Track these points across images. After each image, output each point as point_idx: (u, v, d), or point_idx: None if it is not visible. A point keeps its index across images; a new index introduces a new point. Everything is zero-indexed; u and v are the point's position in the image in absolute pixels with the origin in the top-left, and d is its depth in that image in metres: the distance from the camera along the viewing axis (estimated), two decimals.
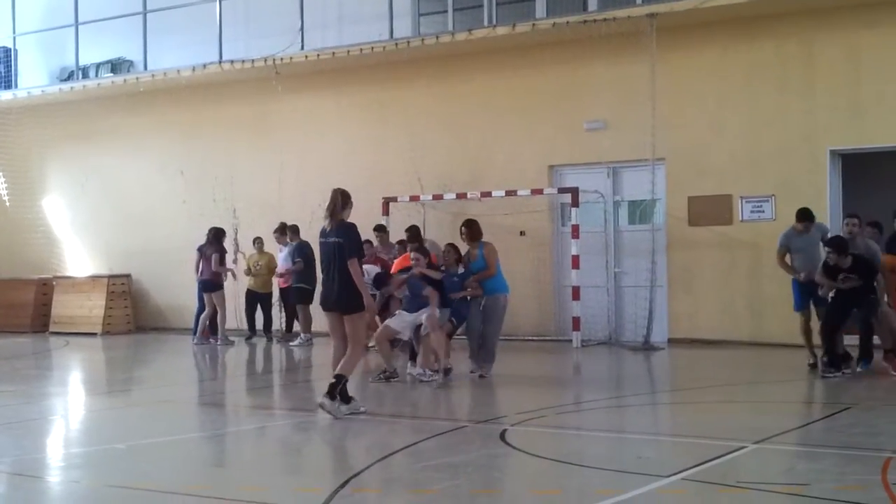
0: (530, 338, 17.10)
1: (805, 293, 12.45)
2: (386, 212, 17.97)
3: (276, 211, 18.73)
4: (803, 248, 12.57)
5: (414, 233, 14.62)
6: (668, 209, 16.42)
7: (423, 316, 11.84)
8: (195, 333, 17.81)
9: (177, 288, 20.25)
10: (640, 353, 15.34)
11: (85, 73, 22.16)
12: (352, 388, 9.82)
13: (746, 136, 15.98)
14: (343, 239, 9.54)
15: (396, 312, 12.51)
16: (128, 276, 21.40)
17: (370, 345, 13.15)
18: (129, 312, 21.12)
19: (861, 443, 8.08)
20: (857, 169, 16.18)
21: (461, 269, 12.39)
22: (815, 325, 12.44)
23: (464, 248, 12.84)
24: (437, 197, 17.82)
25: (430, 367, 11.89)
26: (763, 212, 15.68)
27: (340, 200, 9.74)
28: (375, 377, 11.94)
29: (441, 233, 18.30)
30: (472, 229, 12.54)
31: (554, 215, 17.61)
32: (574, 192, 16.47)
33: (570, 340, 16.29)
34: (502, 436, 8.30)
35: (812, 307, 12.51)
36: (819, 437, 8.54)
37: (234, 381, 14.06)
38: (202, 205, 19.80)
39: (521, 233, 17.63)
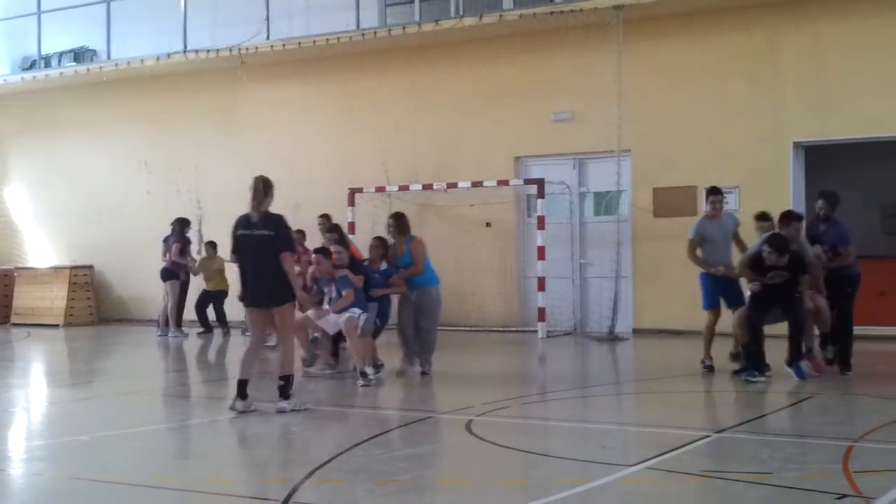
0: (496, 329, 17.14)
1: (716, 290, 11.56)
2: (352, 202, 17.93)
3: (242, 202, 18.56)
4: (716, 239, 11.59)
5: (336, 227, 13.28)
6: (634, 200, 16.50)
7: (341, 319, 11.19)
8: (159, 325, 17.66)
9: (140, 279, 20.09)
10: (606, 343, 15.41)
11: (47, 62, 21.91)
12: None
13: (711, 127, 16.07)
14: (273, 231, 9.10)
15: (324, 307, 11.64)
16: (90, 267, 21.19)
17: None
18: (92, 304, 20.93)
19: (823, 431, 8.17)
20: (821, 161, 16.32)
21: (384, 265, 11.75)
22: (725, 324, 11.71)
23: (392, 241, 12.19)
24: (404, 188, 17.80)
25: (373, 364, 11.37)
26: (728, 203, 15.72)
27: (262, 189, 9.16)
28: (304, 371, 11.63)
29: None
30: (400, 222, 11.94)
31: (520, 206, 17.64)
32: (540, 183, 16.50)
33: (536, 331, 16.33)
34: (468, 426, 8.31)
35: (723, 305, 11.64)
36: (782, 425, 8.62)
37: (197, 373, 13.98)
38: (166, 196, 19.66)
39: (487, 224, 17.67)
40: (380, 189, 17.99)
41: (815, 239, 11.55)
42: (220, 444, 8.26)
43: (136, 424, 9.05)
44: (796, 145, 15.69)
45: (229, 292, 17.36)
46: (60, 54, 21.97)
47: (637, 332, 16.24)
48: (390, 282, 11.68)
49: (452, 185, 17.29)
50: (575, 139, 16.89)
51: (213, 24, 20.03)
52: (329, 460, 7.19)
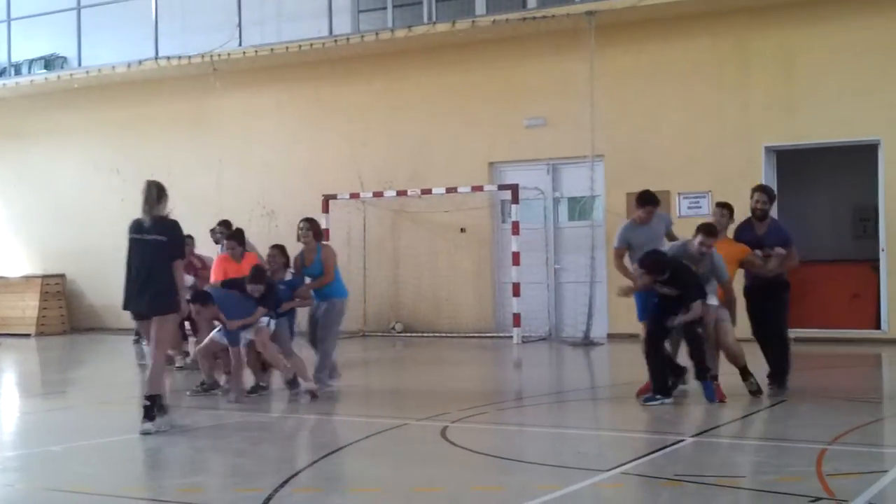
0: (470, 334, 17.16)
1: (649, 298, 10.04)
2: (326, 209, 17.88)
3: (215, 208, 18.53)
4: (644, 245, 10.06)
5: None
6: (608, 205, 16.55)
7: (250, 334, 10.42)
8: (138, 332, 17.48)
9: (113, 288, 19.66)
10: (580, 348, 15.44)
11: (17, 69, 21.72)
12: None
13: (683, 132, 16.16)
14: (167, 237, 8.75)
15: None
16: (62, 276, 21.04)
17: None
18: (64, 313, 20.78)
19: (796, 435, 8.22)
20: (793, 165, 16.44)
21: (289, 275, 10.97)
22: None
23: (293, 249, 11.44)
24: (378, 194, 17.79)
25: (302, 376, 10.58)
26: (700, 207, 15.85)
27: (156, 193, 8.83)
28: (193, 390, 10.95)
29: (381, 231, 18.32)
30: (315, 227, 11.03)
31: (494, 212, 17.67)
32: (514, 188, 16.53)
33: (511, 337, 16.34)
34: (443, 433, 8.30)
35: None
36: (755, 430, 8.66)
37: (171, 381, 13.87)
38: (139, 203, 19.51)
39: (462, 230, 17.69)
40: (354, 196, 17.97)
41: (754, 242, 10.15)
42: (193, 454, 8.20)
43: (109, 434, 8.98)
44: (767, 149, 15.79)
45: None
46: (31, 61, 21.80)
47: (612, 336, 16.28)
48: (297, 293, 10.84)
49: (427, 192, 17.30)
50: (548, 144, 16.94)
51: (185, 31, 19.96)
52: (304, 468, 7.17)
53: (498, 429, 8.98)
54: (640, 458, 7.15)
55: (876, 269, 15.45)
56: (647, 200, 10.39)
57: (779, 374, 10.16)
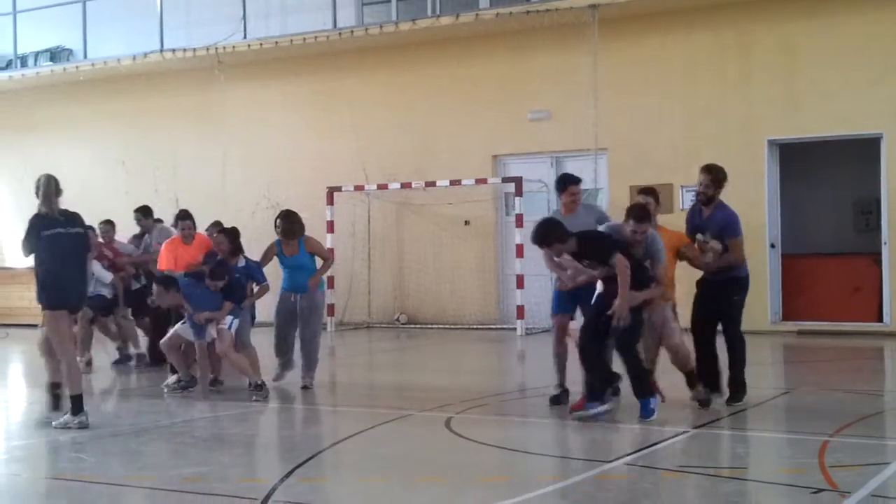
0: (474, 326, 17.20)
1: (567, 292, 9.00)
2: (331, 202, 17.92)
3: (220, 201, 18.58)
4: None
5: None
6: (611, 198, 16.57)
7: (213, 330, 10.18)
8: None
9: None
10: None
11: (23, 61, 21.77)
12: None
13: (686, 125, 16.18)
14: (83, 229, 8.83)
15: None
16: None
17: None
18: None
19: (799, 427, 8.26)
20: (795, 159, 16.45)
21: (242, 262, 10.71)
22: None
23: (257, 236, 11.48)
24: (382, 187, 17.82)
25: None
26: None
27: (55, 187, 8.78)
28: (171, 388, 10.51)
29: (386, 223, 18.36)
30: (288, 223, 10.43)
31: (498, 205, 17.70)
32: (518, 181, 16.55)
33: (515, 329, 16.38)
34: (448, 424, 8.34)
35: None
36: (758, 421, 8.68)
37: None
38: (144, 196, 19.54)
39: (466, 222, 17.72)
40: (358, 188, 18.01)
41: (697, 230, 8.99)
42: (196, 444, 8.24)
43: (113, 424, 9.03)
44: (770, 143, 15.81)
45: None
46: (36, 54, 21.86)
47: None
48: (254, 287, 10.59)
49: (431, 184, 17.32)
50: (552, 137, 16.96)
51: (190, 24, 19.98)
52: (309, 458, 7.21)
53: (502, 420, 9.01)
54: (643, 448, 7.18)
55: (878, 262, 15.48)
56: (566, 181, 9.27)
57: (734, 386, 8.92)
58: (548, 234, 8.22)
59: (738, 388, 8.86)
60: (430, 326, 17.65)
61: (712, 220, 8.85)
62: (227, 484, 6.62)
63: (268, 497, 6.00)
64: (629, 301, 8.05)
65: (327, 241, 17.67)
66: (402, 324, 18.09)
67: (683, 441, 7.52)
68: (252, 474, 7.00)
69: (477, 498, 6.19)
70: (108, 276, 12.28)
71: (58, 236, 8.58)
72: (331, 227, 17.79)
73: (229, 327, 10.13)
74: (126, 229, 18.91)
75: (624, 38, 16.42)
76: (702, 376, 8.81)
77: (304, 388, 10.39)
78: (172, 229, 12.45)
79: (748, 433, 7.97)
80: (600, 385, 8.34)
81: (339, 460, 7.38)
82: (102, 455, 7.72)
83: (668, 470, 6.73)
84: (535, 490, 6.15)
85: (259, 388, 9.92)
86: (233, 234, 10.74)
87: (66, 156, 21.47)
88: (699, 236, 8.79)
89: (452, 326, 17.40)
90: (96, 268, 12.05)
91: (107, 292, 12.48)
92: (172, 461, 7.55)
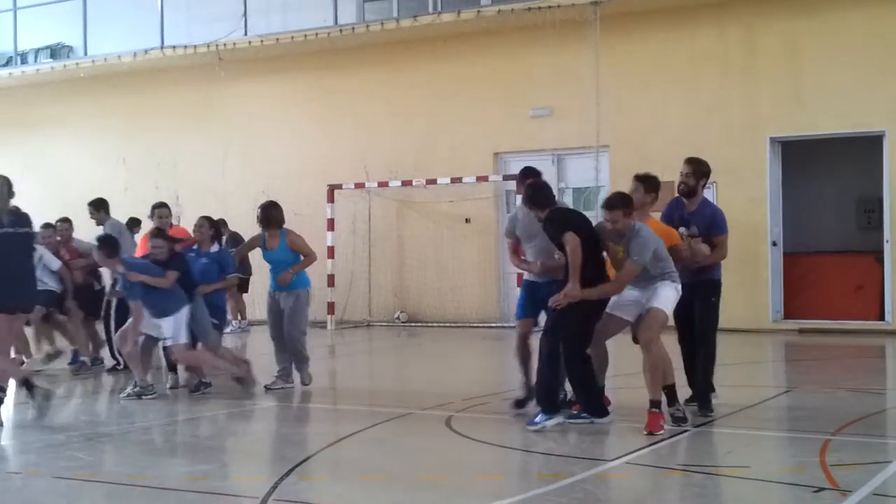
0: (475, 324, 17.17)
1: (534, 294, 8.62)
2: (331, 199, 17.91)
3: (221, 198, 18.57)
4: (536, 233, 8.30)
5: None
6: None
7: (168, 332, 9.85)
8: None
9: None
10: None
11: (24, 58, 21.75)
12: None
13: (688, 123, 16.15)
14: (30, 229, 8.72)
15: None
16: None
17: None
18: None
19: (800, 425, 8.24)
20: (798, 156, 16.42)
21: (216, 248, 10.55)
22: None
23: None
24: (383, 184, 17.80)
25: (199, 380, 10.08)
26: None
27: (8, 187, 8.57)
28: (126, 394, 10.00)
29: (386, 221, 18.34)
30: (267, 214, 10.34)
31: (499, 202, 17.68)
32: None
33: (515, 327, 16.30)
34: (448, 422, 8.32)
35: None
36: (759, 420, 8.66)
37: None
38: (145, 192, 19.55)
39: (467, 220, 17.71)
40: (359, 185, 18.00)
41: (678, 223, 8.46)
42: (197, 442, 8.23)
43: (113, 423, 9.01)
44: (772, 140, 15.78)
45: None
46: (37, 51, 21.83)
47: None
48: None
49: (431, 182, 17.30)
50: (553, 135, 16.94)
51: (190, 21, 19.96)
52: (309, 457, 7.19)
53: (502, 418, 8.98)
54: (644, 447, 7.16)
55: (880, 260, 15.46)
56: (526, 174, 8.56)
57: (701, 395, 8.40)
58: (536, 194, 8.03)
59: (708, 396, 8.37)
60: (430, 324, 17.64)
61: (699, 215, 8.42)
62: (227, 482, 6.61)
63: (268, 495, 5.98)
64: (574, 293, 7.58)
65: (328, 239, 17.70)
66: (403, 322, 18.08)
67: (684, 440, 7.50)
68: (253, 472, 6.98)
69: (477, 497, 6.17)
70: (55, 263, 11.58)
71: (4, 237, 8.49)
72: (331, 224, 17.78)
73: (170, 337, 9.81)
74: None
75: (626, 34, 16.39)
76: (692, 384, 8.47)
77: (304, 384, 10.27)
78: (121, 222, 12.46)
79: (749, 432, 7.94)
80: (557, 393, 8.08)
81: (339, 459, 7.36)
82: (103, 452, 7.71)
83: (670, 469, 6.71)
84: (536, 489, 6.13)
85: (240, 380, 9.89)
86: (214, 222, 10.67)
87: (67, 153, 21.50)
88: (682, 230, 8.34)
89: (453, 324, 17.38)
90: (44, 252, 11.37)
91: (54, 285, 11.65)
92: (174, 459, 7.54)
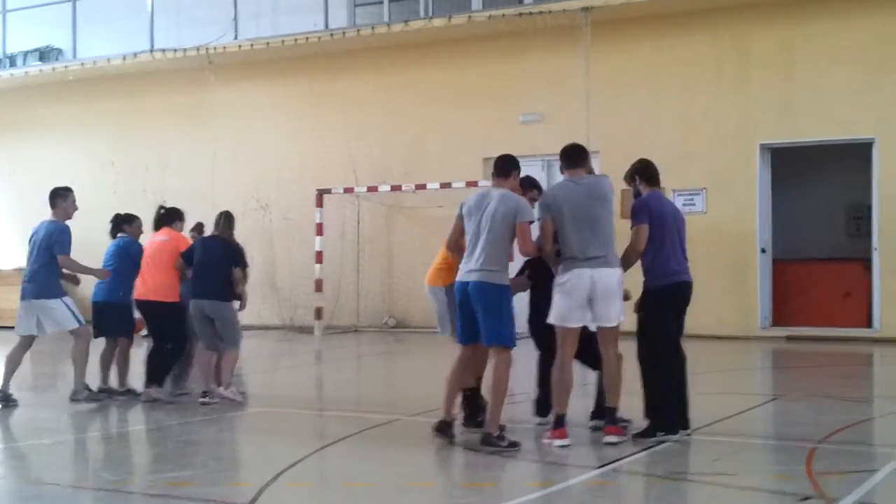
0: None
1: (473, 320, 7.84)
2: (320, 203, 17.87)
3: (209, 202, 18.49)
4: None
5: None
6: None
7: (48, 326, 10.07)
8: None
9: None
10: None
11: (12, 61, 21.68)
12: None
13: (679, 129, 16.17)
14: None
15: None
16: None
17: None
18: None
19: (788, 433, 8.24)
20: (789, 163, 16.46)
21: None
22: None
23: None
24: (372, 189, 17.78)
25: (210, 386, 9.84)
26: (694, 205, 15.88)
27: None
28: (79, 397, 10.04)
29: (375, 226, 18.31)
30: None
31: None
32: None
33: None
34: (436, 428, 8.26)
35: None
36: (746, 428, 8.66)
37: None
38: (133, 196, 19.50)
39: None
40: (348, 190, 17.97)
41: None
42: (182, 448, 8.19)
43: (99, 429, 8.97)
44: (763, 147, 15.81)
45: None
46: (25, 53, 21.76)
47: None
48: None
49: (421, 187, 17.28)
50: (544, 140, 16.89)
51: (180, 24, 19.93)
52: (295, 463, 7.16)
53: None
54: (631, 455, 7.14)
55: (868, 267, 15.48)
56: (503, 166, 8.13)
57: (653, 410, 7.72)
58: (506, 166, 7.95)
59: (653, 418, 7.61)
60: (419, 330, 17.60)
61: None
62: (213, 488, 6.57)
63: (253, 501, 5.96)
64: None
65: (316, 244, 17.68)
66: (391, 327, 18.04)
67: (672, 448, 7.48)
68: (239, 478, 6.95)
69: (465, 503, 6.15)
70: None
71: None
72: (320, 229, 17.75)
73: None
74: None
75: (617, 40, 16.41)
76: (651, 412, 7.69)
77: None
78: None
79: (736, 440, 7.93)
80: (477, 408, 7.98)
81: (326, 465, 7.33)
82: (88, 458, 7.67)
83: (656, 476, 6.70)
84: (523, 496, 6.12)
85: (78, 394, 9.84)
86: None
87: (55, 156, 21.41)
88: None
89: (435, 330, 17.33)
90: None
91: None
92: (158, 464, 7.50)
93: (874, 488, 6.19)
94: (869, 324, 15.37)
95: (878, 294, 15.22)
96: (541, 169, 17.21)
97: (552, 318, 7.51)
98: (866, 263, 15.57)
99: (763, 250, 15.90)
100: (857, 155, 15.79)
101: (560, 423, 7.45)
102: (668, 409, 7.62)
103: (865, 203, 15.84)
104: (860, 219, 16.70)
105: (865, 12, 15.23)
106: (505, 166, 7.96)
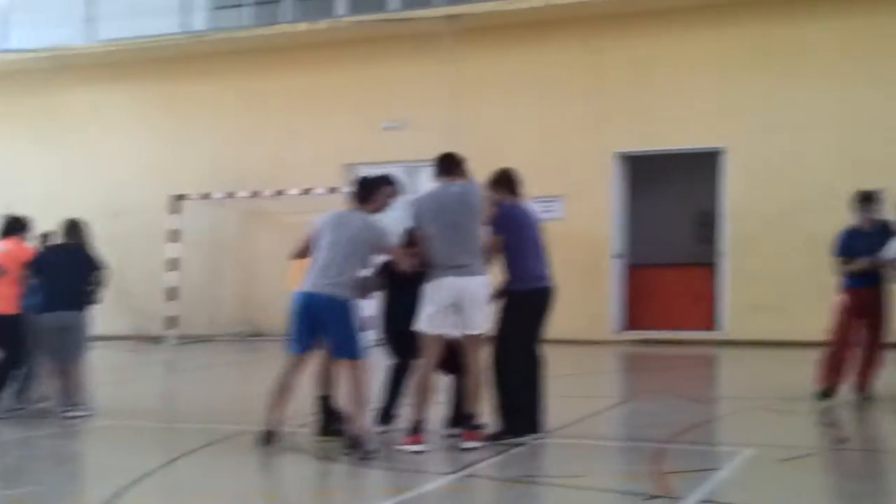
0: None
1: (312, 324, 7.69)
2: (175, 210, 17.50)
3: (60, 207, 17.87)
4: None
5: None
6: None
7: None
8: None
9: None
10: None
11: None
12: None
13: (538, 137, 16.43)
14: None
15: None
16: None
17: None
18: None
19: (636, 434, 8.43)
20: (646, 171, 16.87)
21: None
22: None
23: None
24: (231, 195, 17.52)
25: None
26: (553, 211, 16.13)
27: None
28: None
29: (234, 232, 18.03)
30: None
31: None
32: None
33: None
34: (285, 439, 8.05)
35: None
36: (598, 429, 8.81)
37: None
38: None
39: None
40: (205, 196, 17.63)
41: None
42: (21, 463, 7.86)
43: None
44: (617, 155, 16.20)
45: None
46: None
47: None
48: None
49: (281, 193, 17.10)
50: (407, 146, 16.98)
51: (32, 24, 19.27)
52: (141, 477, 6.93)
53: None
54: (484, 460, 7.17)
55: (714, 272, 15.99)
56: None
57: (506, 413, 7.76)
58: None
59: (505, 421, 7.71)
60: (276, 338, 17.32)
61: None
62: (61, 500, 6.34)
63: None
64: None
65: (169, 251, 17.31)
66: (246, 336, 17.76)
67: (524, 451, 7.54)
68: (83, 493, 6.72)
69: None
70: None
71: None
72: (174, 235, 17.38)
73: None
74: None
75: (479, 48, 16.58)
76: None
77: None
78: None
79: (586, 441, 8.06)
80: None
81: (173, 478, 7.13)
82: None
83: (510, 480, 6.75)
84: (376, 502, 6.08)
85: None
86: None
87: None
88: None
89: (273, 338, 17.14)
90: None
91: None
92: (9, 479, 7.18)
93: (716, 486, 6.37)
94: (715, 326, 15.89)
95: (724, 298, 15.74)
96: (403, 175, 17.24)
97: (419, 325, 7.51)
98: (713, 269, 16.08)
99: (618, 256, 16.28)
100: (706, 164, 16.31)
101: (417, 429, 7.44)
102: (521, 412, 7.72)
103: (712, 211, 16.37)
104: (707, 225, 17.24)
105: (718, 24, 15.76)
106: (365, 190, 7.90)
